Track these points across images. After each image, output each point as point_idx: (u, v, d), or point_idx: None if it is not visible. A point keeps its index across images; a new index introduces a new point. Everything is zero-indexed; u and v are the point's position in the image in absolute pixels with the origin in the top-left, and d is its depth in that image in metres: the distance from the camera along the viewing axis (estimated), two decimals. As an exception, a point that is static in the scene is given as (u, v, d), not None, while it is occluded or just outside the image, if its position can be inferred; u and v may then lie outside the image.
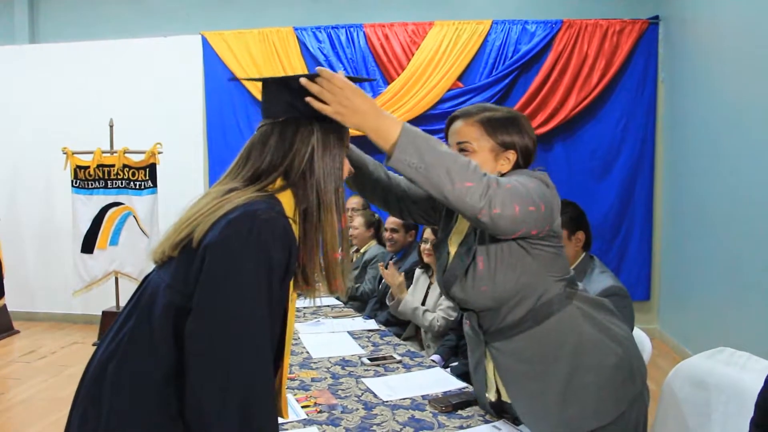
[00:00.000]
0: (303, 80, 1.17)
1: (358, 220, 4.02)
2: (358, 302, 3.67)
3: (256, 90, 5.16)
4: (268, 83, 1.22)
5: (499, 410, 1.68)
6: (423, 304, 3.04)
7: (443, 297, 2.50)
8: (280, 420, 1.69)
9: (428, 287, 3.10)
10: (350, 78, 1.26)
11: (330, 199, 1.17)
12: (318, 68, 1.19)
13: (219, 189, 1.14)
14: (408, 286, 3.16)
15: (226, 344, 1.01)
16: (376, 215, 4.14)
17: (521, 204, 1.33)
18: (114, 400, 1.07)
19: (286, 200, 1.14)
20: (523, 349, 1.50)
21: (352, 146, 1.51)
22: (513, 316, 1.50)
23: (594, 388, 1.47)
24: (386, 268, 3.09)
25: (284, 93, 1.18)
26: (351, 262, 1.21)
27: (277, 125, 1.18)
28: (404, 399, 1.85)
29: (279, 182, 1.15)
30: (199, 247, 1.05)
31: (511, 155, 1.53)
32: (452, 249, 1.59)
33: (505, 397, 1.60)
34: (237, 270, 1.02)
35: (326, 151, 1.18)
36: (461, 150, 1.53)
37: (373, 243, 3.98)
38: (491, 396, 1.64)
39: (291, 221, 1.11)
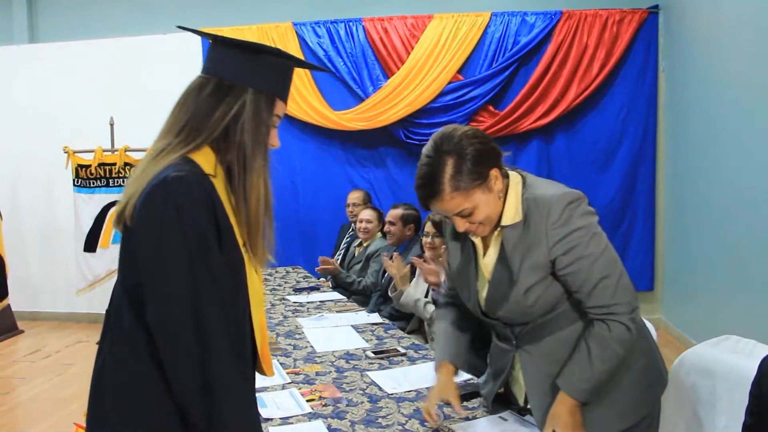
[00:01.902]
0: None
1: (369, 213, 3.99)
2: (360, 296, 3.67)
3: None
4: (217, 41, 1.21)
5: (505, 402, 1.68)
6: (425, 296, 3.03)
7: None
8: (287, 414, 1.70)
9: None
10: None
11: (256, 163, 1.16)
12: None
13: (155, 147, 1.15)
14: (410, 280, 3.15)
15: (178, 323, 1.03)
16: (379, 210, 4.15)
17: (626, 281, 1.45)
18: (114, 397, 1.10)
19: (203, 158, 1.13)
20: (554, 351, 1.49)
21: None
22: (546, 318, 1.49)
23: (621, 390, 1.46)
24: (390, 259, 3.08)
25: (231, 55, 1.18)
26: (272, 233, 1.19)
27: (214, 80, 1.17)
28: (409, 391, 1.85)
29: (201, 136, 1.14)
30: (131, 224, 1.07)
31: (494, 173, 1.43)
32: (486, 275, 1.54)
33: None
34: (164, 245, 1.03)
35: (254, 115, 1.16)
36: (463, 218, 1.44)
37: (377, 236, 3.97)
38: (521, 401, 1.63)
39: (210, 177, 1.11)
